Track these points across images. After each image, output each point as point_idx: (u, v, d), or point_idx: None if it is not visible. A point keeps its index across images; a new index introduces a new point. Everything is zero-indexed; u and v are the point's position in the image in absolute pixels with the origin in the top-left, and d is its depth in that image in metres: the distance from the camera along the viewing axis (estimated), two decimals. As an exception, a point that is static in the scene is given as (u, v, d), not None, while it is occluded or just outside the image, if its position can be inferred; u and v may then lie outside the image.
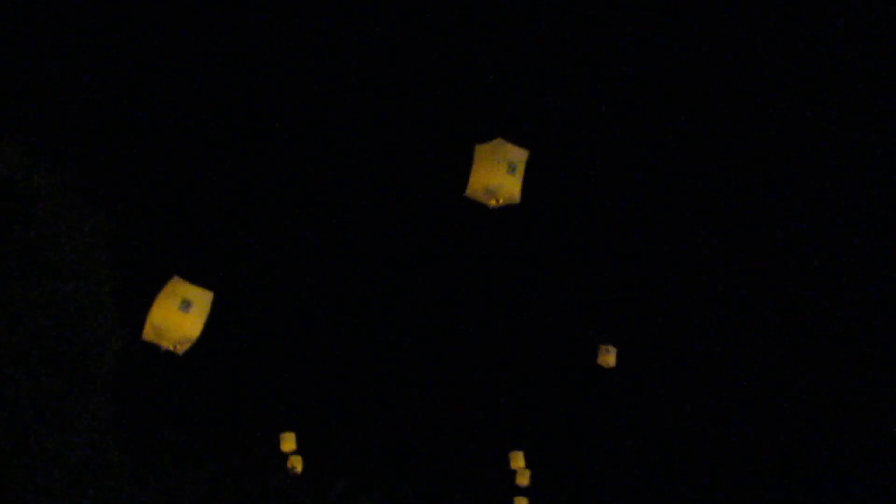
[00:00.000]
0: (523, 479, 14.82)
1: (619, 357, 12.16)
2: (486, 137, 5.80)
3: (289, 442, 14.43)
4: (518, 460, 14.32)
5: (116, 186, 7.61)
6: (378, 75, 6.67)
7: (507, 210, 5.73)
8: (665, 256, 8.95)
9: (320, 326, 10.78)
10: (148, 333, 6.20)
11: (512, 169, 5.74)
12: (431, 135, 6.77)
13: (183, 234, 8.58)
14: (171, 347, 6.20)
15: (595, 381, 12.30)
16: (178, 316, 6.14)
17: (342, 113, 6.94)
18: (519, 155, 5.77)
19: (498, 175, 5.72)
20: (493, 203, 5.75)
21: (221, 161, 7.83)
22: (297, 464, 14.58)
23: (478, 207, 5.70)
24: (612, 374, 12.39)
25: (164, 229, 8.21)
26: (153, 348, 6.39)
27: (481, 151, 5.80)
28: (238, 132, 7.61)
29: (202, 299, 6.24)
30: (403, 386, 13.02)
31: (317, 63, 7.18)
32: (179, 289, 6.19)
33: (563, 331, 11.38)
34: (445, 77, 6.43)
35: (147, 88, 7.74)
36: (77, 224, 7.30)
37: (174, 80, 7.76)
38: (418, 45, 6.43)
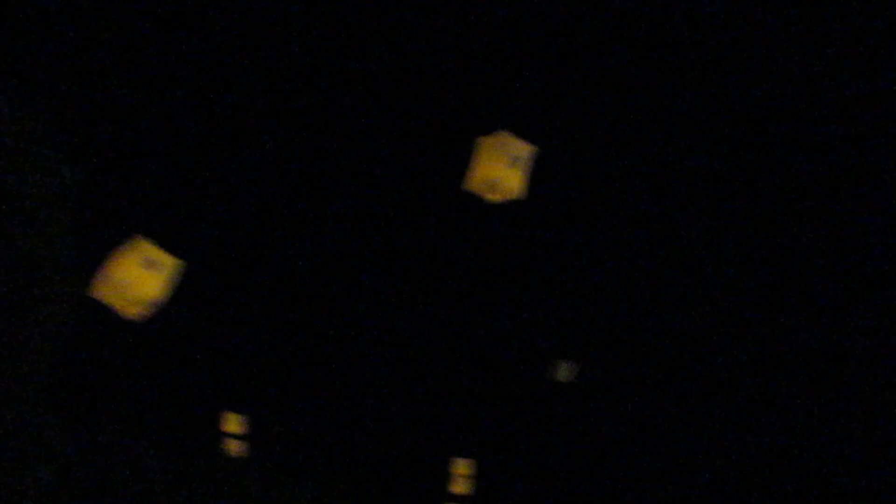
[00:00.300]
0: (460, 487, 14.58)
1: (580, 372, 12.01)
2: (490, 130, 5.60)
3: (232, 423, 14.12)
4: (461, 467, 14.06)
5: (89, 140, 7.24)
6: (380, 59, 6.39)
7: (508, 206, 5.52)
8: (663, 270, 8.77)
9: (291, 312, 10.47)
10: (102, 290, 5.59)
11: (515, 162, 5.52)
12: (433, 125, 6.51)
13: (156, 197, 8.19)
14: (125, 308, 5.63)
15: (557, 395, 12.11)
16: (141, 273, 5.57)
17: (340, 95, 6.64)
18: (523, 149, 5.55)
19: (499, 168, 5.50)
20: (493, 198, 5.53)
21: (207, 128, 7.47)
22: (235, 447, 14.24)
23: (477, 202, 5.49)
24: (571, 390, 12.25)
25: (134, 189, 7.82)
26: (105, 312, 5.92)
27: (484, 144, 5.59)
28: (228, 102, 7.26)
29: (169, 264, 5.76)
30: (366, 381, 12.72)
31: (311, 38, 6.85)
32: (144, 248, 5.67)
33: (533, 339, 11.19)
34: (452, 66, 6.18)
35: (130, 41, 7.35)
36: (41, 174, 6.94)
37: (157, 34, 7.37)
38: (427, 29, 6.17)
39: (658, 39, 5.95)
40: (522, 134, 5.46)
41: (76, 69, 7.60)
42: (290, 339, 12.06)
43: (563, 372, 12.23)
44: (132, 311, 5.64)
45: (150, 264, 5.57)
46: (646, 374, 13.27)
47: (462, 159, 5.44)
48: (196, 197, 8.57)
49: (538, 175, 5.51)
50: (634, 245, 8.37)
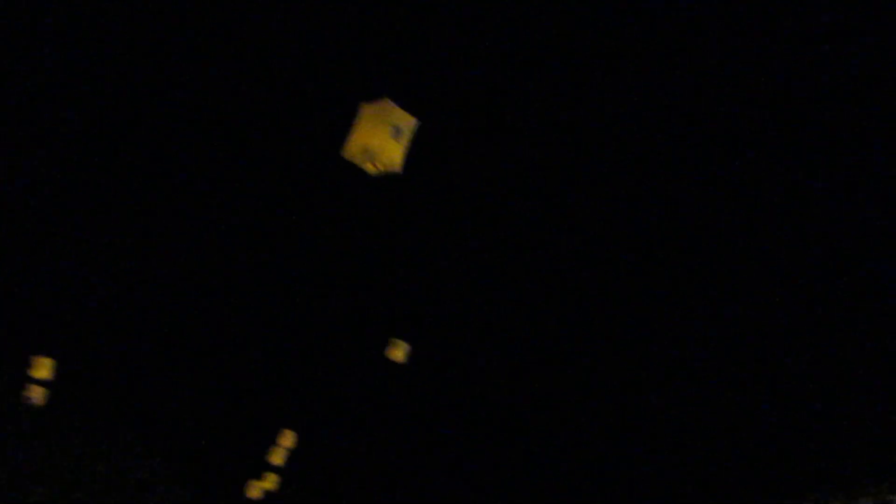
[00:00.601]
0: (278, 458, 14.28)
1: (411, 353, 11.91)
2: (373, 97, 5.30)
3: (41, 368, 13.25)
4: (287, 439, 13.79)
5: None
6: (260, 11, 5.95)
7: (385, 180, 5.24)
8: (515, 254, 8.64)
9: (130, 266, 9.88)
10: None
11: (397, 133, 5.26)
12: (313, 87, 6.13)
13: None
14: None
15: (387, 374, 11.95)
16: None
17: (221, 51, 6.16)
18: (406, 120, 5.30)
19: (380, 137, 5.23)
20: (371, 168, 5.25)
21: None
22: (38, 394, 13.46)
23: (354, 171, 5.18)
24: (402, 370, 12.12)
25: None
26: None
27: (366, 111, 5.29)
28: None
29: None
30: (196, 348, 12.18)
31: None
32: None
33: (371, 318, 10.96)
34: (338, 24, 5.82)
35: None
36: None
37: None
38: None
39: (551, 14, 5.74)
40: (408, 105, 5.20)
41: None
42: (125, 299, 11.44)
43: (399, 352, 12.11)
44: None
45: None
46: (480, 355, 13.34)
47: (344, 125, 5.13)
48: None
49: (421, 149, 5.27)
50: (497, 231, 8.30)
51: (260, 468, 15.96)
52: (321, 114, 6.12)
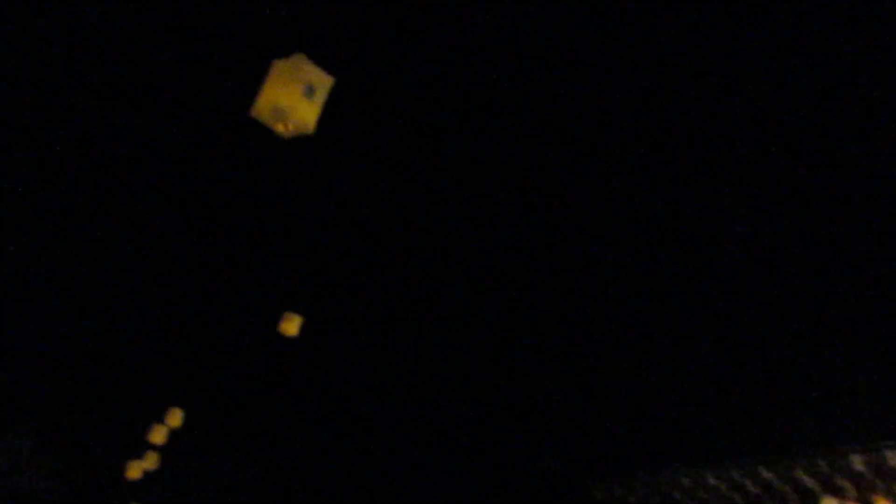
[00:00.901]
0: (159, 437, 13.64)
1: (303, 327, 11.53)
2: (286, 53, 4.89)
3: None
4: (175, 418, 13.15)
5: None
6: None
7: (296, 143, 4.84)
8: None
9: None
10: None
11: (310, 92, 4.86)
12: (223, 43, 5.64)
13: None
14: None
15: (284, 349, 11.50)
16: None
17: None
18: (321, 78, 4.90)
19: (291, 96, 4.83)
20: (281, 129, 4.83)
21: None
22: None
23: (264, 134, 4.76)
24: (295, 344, 11.71)
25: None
26: None
27: (277, 67, 4.88)
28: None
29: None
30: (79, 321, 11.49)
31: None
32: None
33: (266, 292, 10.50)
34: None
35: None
36: None
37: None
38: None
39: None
40: (323, 62, 4.81)
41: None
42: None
43: (293, 326, 11.65)
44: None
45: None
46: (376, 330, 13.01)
47: (252, 83, 4.70)
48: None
49: (335, 109, 4.89)
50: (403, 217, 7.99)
51: (140, 447, 15.26)
52: (228, 70, 5.64)
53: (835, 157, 7.92)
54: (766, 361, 10.75)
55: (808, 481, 10.71)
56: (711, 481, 11.84)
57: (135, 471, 15.91)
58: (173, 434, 13.86)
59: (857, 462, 10.04)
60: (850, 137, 7.71)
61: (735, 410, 11.29)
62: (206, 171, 7.16)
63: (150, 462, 15.56)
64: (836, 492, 10.43)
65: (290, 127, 4.85)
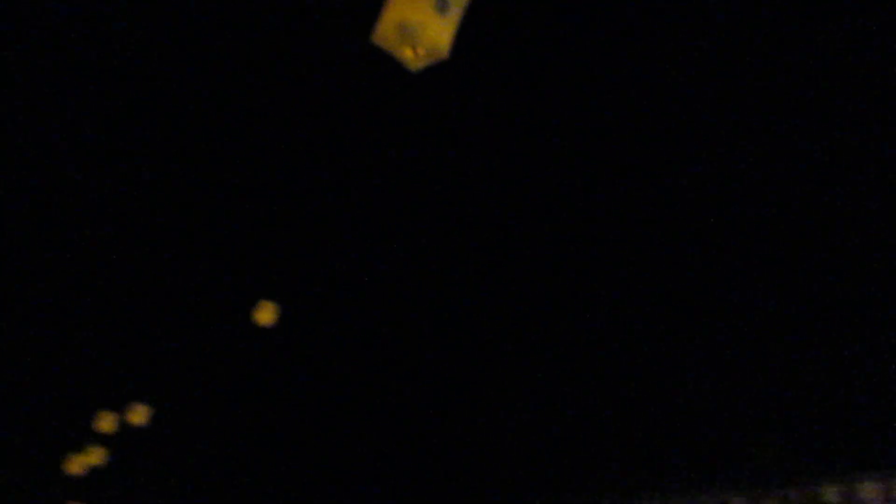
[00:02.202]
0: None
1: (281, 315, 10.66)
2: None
3: None
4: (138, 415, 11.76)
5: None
6: None
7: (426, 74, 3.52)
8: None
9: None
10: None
11: (443, 6, 3.53)
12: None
13: None
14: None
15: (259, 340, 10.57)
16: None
17: None
18: (458, -10, 3.58)
19: (420, 10, 3.50)
20: (409, 54, 3.51)
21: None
22: None
23: (386, 64, 3.48)
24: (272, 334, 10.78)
25: None
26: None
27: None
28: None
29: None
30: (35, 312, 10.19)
31: None
32: None
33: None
34: None
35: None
36: None
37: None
38: None
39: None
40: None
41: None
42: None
43: (268, 314, 10.51)
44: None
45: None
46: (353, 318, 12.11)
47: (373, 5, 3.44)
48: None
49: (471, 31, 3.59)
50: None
51: (82, 440, 13.73)
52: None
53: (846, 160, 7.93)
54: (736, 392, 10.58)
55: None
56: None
57: (76, 466, 14.42)
58: (126, 427, 12.44)
59: (829, 493, 10.02)
60: (851, 136, 7.70)
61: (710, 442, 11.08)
62: (325, 110, 5.88)
63: (94, 457, 14.06)
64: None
65: (420, 52, 3.52)
